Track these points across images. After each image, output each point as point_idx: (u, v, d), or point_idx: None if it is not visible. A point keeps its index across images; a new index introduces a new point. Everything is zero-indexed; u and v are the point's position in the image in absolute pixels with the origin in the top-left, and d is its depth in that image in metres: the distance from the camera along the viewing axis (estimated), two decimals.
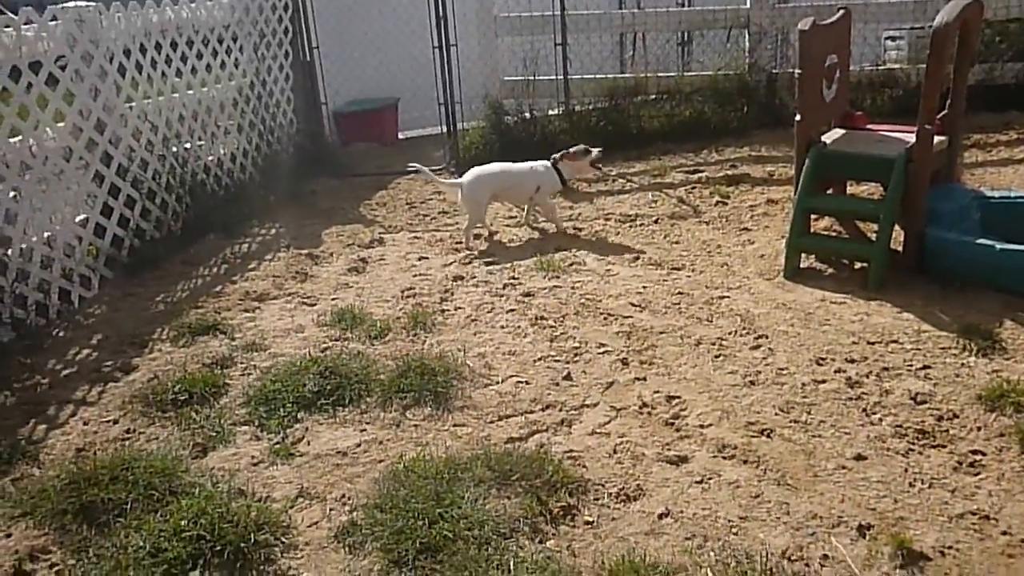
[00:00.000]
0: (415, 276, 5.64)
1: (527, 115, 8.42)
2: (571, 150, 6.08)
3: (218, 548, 3.08)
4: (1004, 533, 3.04)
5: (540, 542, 3.11)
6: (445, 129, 8.56)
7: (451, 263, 5.86)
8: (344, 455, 3.69)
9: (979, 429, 3.63)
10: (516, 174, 6.13)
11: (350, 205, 7.43)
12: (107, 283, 5.77)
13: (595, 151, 6.06)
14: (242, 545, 3.10)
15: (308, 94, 8.74)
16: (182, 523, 3.16)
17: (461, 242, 6.21)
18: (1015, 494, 3.24)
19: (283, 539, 3.19)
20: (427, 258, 6.00)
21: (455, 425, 3.88)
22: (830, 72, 5.47)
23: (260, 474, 3.59)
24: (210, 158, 7.16)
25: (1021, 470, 3.37)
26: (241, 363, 4.53)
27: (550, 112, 8.61)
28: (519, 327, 4.78)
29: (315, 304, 5.29)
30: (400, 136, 10.16)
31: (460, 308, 5.08)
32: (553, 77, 8.40)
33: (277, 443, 3.79)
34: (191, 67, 6.97)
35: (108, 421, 4.07)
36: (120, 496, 3.38)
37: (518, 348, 4.53)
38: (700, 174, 7.35)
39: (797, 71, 5.22)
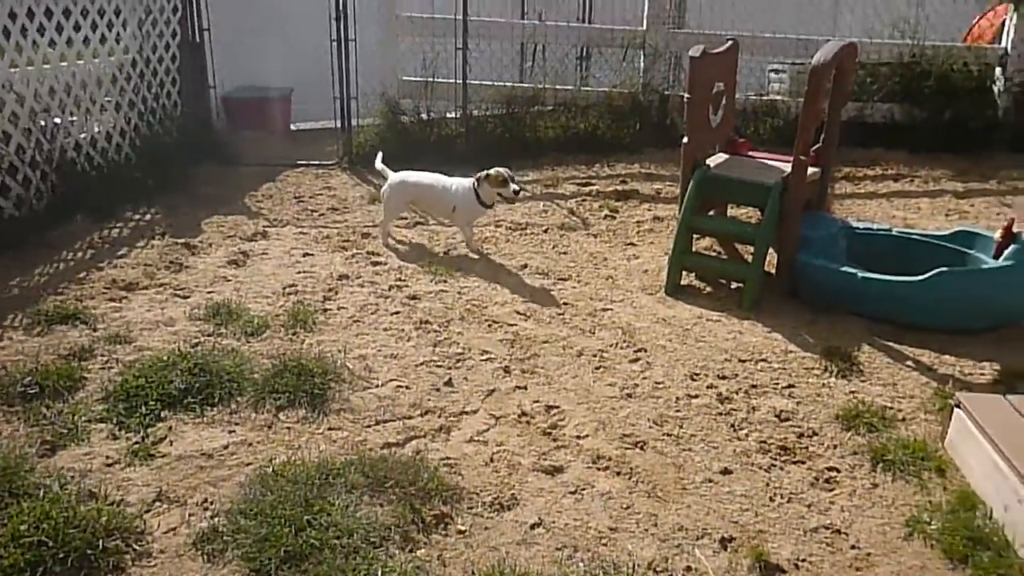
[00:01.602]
0: (298, 273, 5.48)
1: (424, 116, 8.35)
2: (491, 173, 5.63)
3: (61, 555, 2.88)
4: (853, 547, 3.21)
5: (411, 551, 3.06)
6: (339, 124, 8.37)
7: (337, 261, 5.73)
8: (209, 457, 3.53)
9: (835, 447, 3.83)
10: (435, 188, 5.88)
11: (234, 195, 7.16)
12: None
13: (514, 186, 5.63)
14: (89, 552, 2.91)
15: (196, 77, 8.37)
16: (21, 528, 2.93)
17: (349, 240, 6.09)
18: (865, 510, 3.42)
19: (136, 546, 3.02)
20: (312, 255, 5.84)
21: (330, 428, 3.78)
22: (717, 98, 5.67)
23: (115, 475, 3.39)
24: (83, 135, 6.74)
25: (871, 487, 3.57)
26: (102, 356, 4.27)
27: (448, 115, 8.56)
28: (403, 330, 4.71)
29: (188, 296, 5.06)
30: (292, 127, 9.88)
31: (343, 308, 4.97)
32: (452, 81, 8.36)
33: (136, 443, 3.59)
34: (66, 38, 6.55)
35: None
36: None
37: (400, 351, 4.47)
38: (591, 187, 7.47)
39: (686, 95, 5.40)
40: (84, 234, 6.02)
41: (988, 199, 7.60)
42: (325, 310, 4.92)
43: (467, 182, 5.75)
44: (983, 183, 8.05)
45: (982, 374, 4.49)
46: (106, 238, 6.01)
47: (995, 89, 9.16)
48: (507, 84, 8.79)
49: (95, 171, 6.84)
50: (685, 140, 5.43)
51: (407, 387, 4.13)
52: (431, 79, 8.37)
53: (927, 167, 8.45)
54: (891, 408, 4.13)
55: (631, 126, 8.65)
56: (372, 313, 4.91)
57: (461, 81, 8.26)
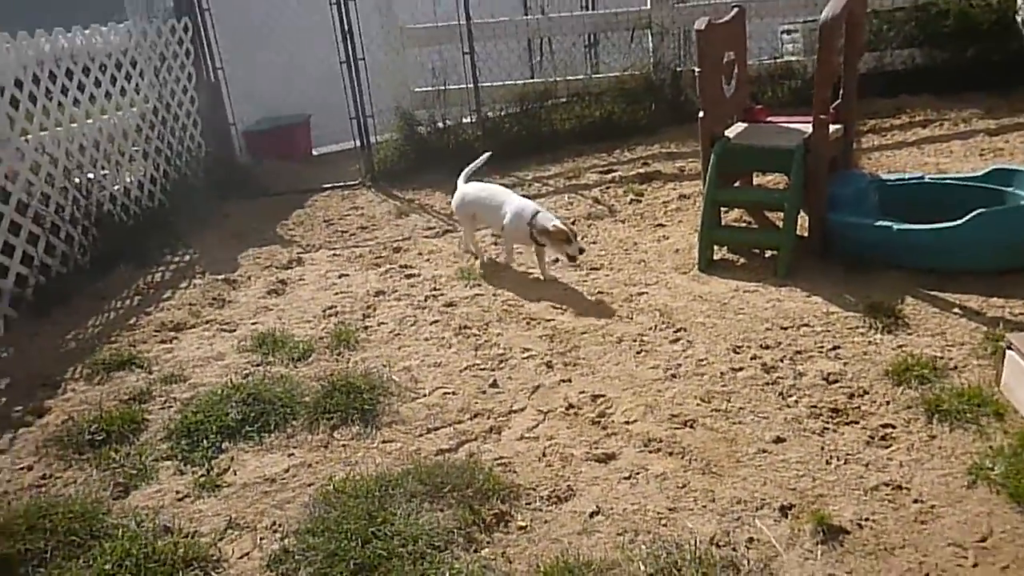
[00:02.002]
0: (336, 294, 5.59)
1: (440, 124, 8.43)
2: (552, 229, 5.16)
3: None
4: (916, 501, 3.19)
5: (475, 551, 3.12)
6: (359, 143, 8.49)
7: (372, 278, 5.82)
8: (272, 482, 3.64)
9: (888, 403, 3.80)
10: (490, 205, 5.70)
11: (266, 226, 7.31)
12: (13, 324, 5.54)
13: (580, 244, 5.25)
14: None
15: (215, 115, 8.56)
16: (106, 567, 3.08)
17: (381, 256, 6.19)
18: (924, 463, 3.40)
19: (214, 573, 3.13)
20: (347, 275, 5.95)
21: (384, 441, 3.86)
22: (728, 68, 5.64)
23: (186, 509, 3.51)
24: (116, 187, 6.95)
25: (929, 439, 3.54)
26: (160, 396, 4.41)
27: (463, 120, 8.63)
28: (443, 338, 4.78)
29: (234, 330, 5.19)
30: (315, 152, 10.04)
31: (383, 323, 5.06)
32: (463, 86, 8.43)
33: (202, 475, 3.71)
34: (89, 95, 6.75)
35: (22, 468, 3.91)
36: (39, 545, 3.26)
37: (443, 359, 4.54)
38: (613, 173, 7.48)
39: (697, 69, 5.38)
40: (129, 281, 6.21)
41: (1023, 133, 7.43)
42: (366, 327, 5.02)
43: (525, 206, 5.43)
44: (1016, 118, 7.87)
45: None
46: (150, 283, 6.19)
47: (1018, 19, 8.94)
48: (518, 82, 8.83)
49: (131, 219, 7.04)
50: (701, 114, 5.41)
51: (454, 393, 4.20)
52: (442, 87, 8.44)
53: (955, 109, 8.29)
54: (941, 358, 4.08)
55: (646, 107, 8.63)
56: (412, 325, 4.99)
57: (472, 85, 8.32)
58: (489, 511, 3.30)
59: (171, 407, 4.29)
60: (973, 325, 4.35)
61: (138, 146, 7.34)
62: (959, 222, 4.72)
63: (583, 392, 4.10)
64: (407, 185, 7.90)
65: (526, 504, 3.37)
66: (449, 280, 5.61)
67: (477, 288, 5.42)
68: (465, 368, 4.43)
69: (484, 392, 4.19)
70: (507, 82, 8.79)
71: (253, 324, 5.25)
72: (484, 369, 4.40)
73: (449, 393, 4.21)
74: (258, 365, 4.65)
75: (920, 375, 3.93)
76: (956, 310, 4.51)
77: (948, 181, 5.56)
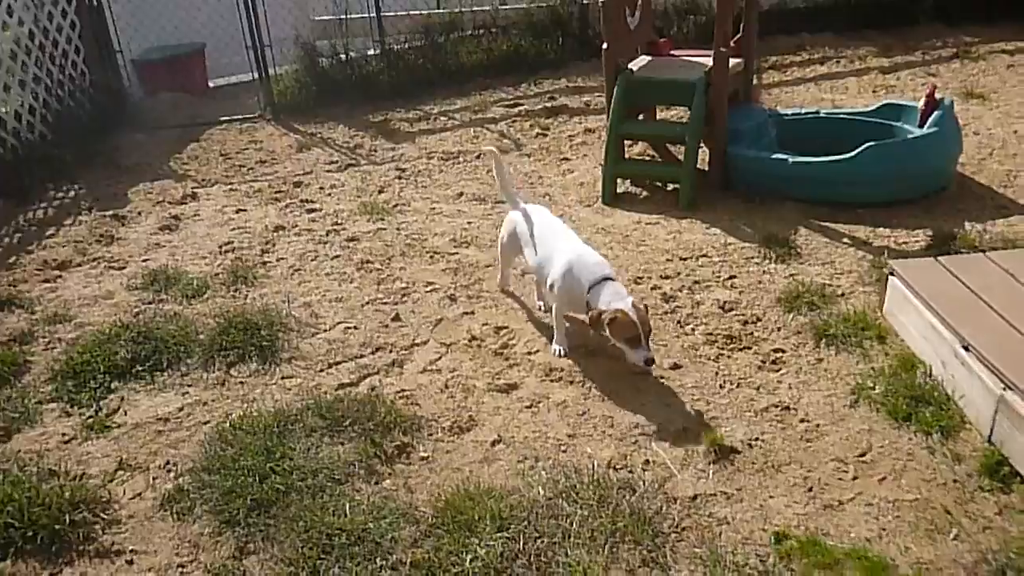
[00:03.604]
0: (233, 230, 5.39)
1: (342, 56, 8.13)
2: (618, 316, 3.43)
3: (30, 534, 2.89)
4: (802, 421, 3.34)
5: (376, 483, 3.12)
6: (257, 75, 8.12)
7: (271, 213, 5.63)
8: (166, 421, 3.53)
9: (779, 329, 3.94)
10: (537, 250, 3.95)
11: (158, 160, 6.95)
12: None
13: (645, 352, 3.47)
14: (57, 528, 2.92)
15: (99, 42, 8.02)
16: None
17: (281, 191, 5.99)
18: (811, 385, 3.55)
19: (104, 515, 3.03)
20: (245, 210, 5.74)
21: (284, 377, 3.78)
22: (632, 1, 5.60)
23: (73, 451, 3.37)
24: None
25: (816, 362, 3.69)
26: (43, 337, 4.19)
27: (368, 52, 8.35)
28: (345, 273, 4.69)
29: (124, 267, 4.96)
30: (211, 84, 9.56)
31: (283, 259, 4.92)
32: (366, 15, 8.13)
33: (90, 417, 3.57)
34: None
35: None
36: None
37: (345, 294, 4.46)
38: (520, 107, 7.40)
39: (600, 0, 5.32)
40: (8, 218, 5.83)
41: (914, 71, 7.69)
42: (264, 263, 4.87)
43: (583, 264, 3.70)
44: (908, 56, 8.12)
45: (916, 242, 4.62)
46: (31, 219, 5.83)
47: None
48: (423, 12, 8.58)
49: (9, 153, 6.58)
50: (605, 46, 5.37)
51: (355, 327, 4.13)
52: (343, 16, 8.12)
53: (852, 47, 8.48)
54: (830, 286, 4.24)
55: (554, 41, 8.52)
56: (312, 260, 4.87)
57: (375, 14, 8.04)
58: (391, 443, 3.30)
59: (55, 348, 4.09)
60: (860, 254, 4.52)
61: (13, 74, 6.82)
62: (850, 155, 4.87)
63: (486, 324, 4.10)
64: (308, 119, 7.62)
65: (428, 435, 3.37)
66: (351, 215, 5.48)
67: (380, 223, 5.31)
68: (367, 303, 4.36)
69: (386, 326, 4.14)
70: (411, 12, 8.53)
71: (144, 261, 5.02)
72: (386, 303, 4.34)
73: (351, 328, 4.14)
74: (150, 303, 4.46)
75: (810, 302, 4.07)
76: (846, 240, 4.68)
77: (842, 116, 5.71)
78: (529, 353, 3.86)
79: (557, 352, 3.83)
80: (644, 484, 3.04)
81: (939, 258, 3.90)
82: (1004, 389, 3.00)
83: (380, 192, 5.84)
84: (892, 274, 3.85)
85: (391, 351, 3.93)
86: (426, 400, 3.58)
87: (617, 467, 3.14)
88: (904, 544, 2.74)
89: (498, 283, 4.43)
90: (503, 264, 4.38)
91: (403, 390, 3.64)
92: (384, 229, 5.21)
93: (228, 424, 3.43)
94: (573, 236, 3.95)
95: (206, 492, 3.07)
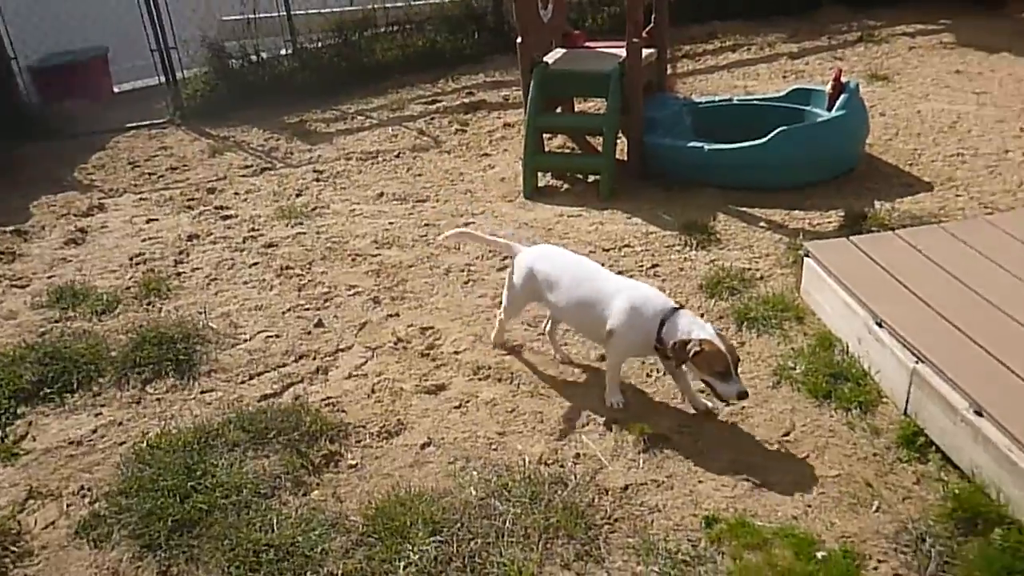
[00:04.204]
0: (144, 241, 5.19)
1: (253, 57, 7.92)
2: (705, 347, 3.02)
3: None
4: (728, 404, 3.37)
5: (304, 494, 3.04)
6: (164, 78, 7.85)
7: (184, 222, 5.44)
8: (78, 444, 3.37)
9: (703, 315, 3.96)
10: (580, 292, 3.41)
11: (61, 171, 6.64)
12: None
13: (737, 385, 3.06)
14: None
15: None
16: None
17: (194, 198, 5.79)
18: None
19: (14, 548, 2.88)
20: (157, 220, 5.53)
21: (203, 392, 3.66)
22: None
23: None
24: None
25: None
26: None
27: (280, 52, 8.16)
28: (264, 280, 4.57)
29: (27, 285, 4.72)
30: (116, 90, 9.19)
31: (198, 269, 4.76)
32: (276, 14, 7.94)
33: None
34: None
35: None
36: None
37: (265, 302, 4.34)
38: (438, 104, 7.34)
39: None
40: None
41: (821, 55, 7.91)
42: (179, 274, 4.70)
43: (645, 298, 3.27)
44: (815, 40, 8.34)
45: (829, 222, 4.74)
46: None
47: None
48: (335, 10, 8.42)
49: None
50: (519, 40, 5.36)
51: (277, 336, 4.03)
52: (252, 16, 7.91)
53: (762, 33, 8.67)
54: (750, 269, 4.32)
55: (470, 36, 8.48)
56: (229, 268, 4.73)
57: (285, 13, 7.86)
58: (318, 453, 3.22)
59: None
60: (777, 237, 4.62)
61: None
62: (762, 140, 4.97)
63: (411, 325, 4.04)
64: (221, 122, 7.40)
65: (356, 442, 3.30)
66: (269, 220, 5.34)
67: (299, 227, 5.19)
68: (288, 309, 4.25)
69: (309, 333, 4.04)
70: (323, 10, 8.36)
71: (49, 278, 4.79)
72: (308, 309, 4.25)
73: (272, 336, 4.03)
74: (56, 321, 4.26)
75: (731, 287, 4.14)
76: (763, 223, 4.78)
77: (754, 102, 5.82)
78: (456, 352, 3.82)
79: (614, 405, 3.37)
80: (576, 477, 3.03)
81: (851, 238, 4.01)
82: (916, 362, 3.09)
83: (298, 195, 5.71)
84: (807, 255, 3.94)
85: (315, 358, 3.84)
86: (353, 406, 3.51)
87: (548, 462, 3.13)
88: (829, 519, 2.80)
89: (494, 339, 3.83)
90: (509, 315, 3.75)
91: (329, 397, 3.56)
92: (303, 233, 5.09)
93: (145, 444, 3.29)
94: (611, 273, 3.52)
95: (124, 516, 2.94)
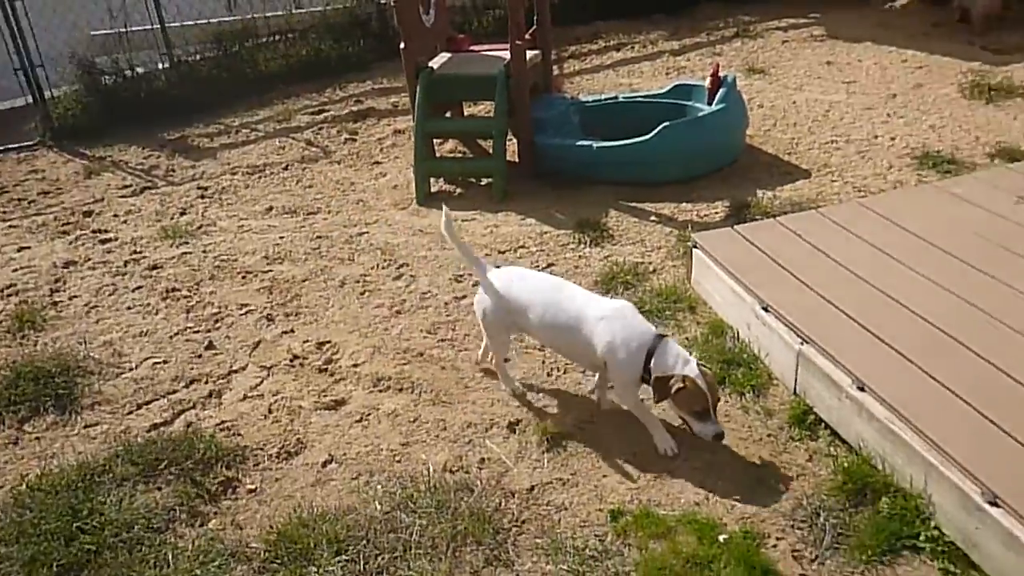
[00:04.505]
0: (15, 271, 4.88)
1: (128, 73, 7.58)
2: (687, 384, 2.90)
3: None
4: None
5: (201, 525, 2.92)
6: (31, 98, 7.42)
7: (59, 248, 5.16)
8: None
9: None
10: (560, 317, 3.22)
11: None
12: None
13: (714, 425, 2.97)
14: None
15: None
16: None
17: (69, 223, 5.49)
18: None
19: None
20: (29, 247, 5.22)
21: (87, 426, 3.48)
22: None
23: None
24: None
25: None
26: None
27: (159, 67, 7.83)
28: (149, 304, 4.37)
29: None
30: None
31: (76, 297, 4.51)
32: (149, 27, 7.62)
33: None
34: None
35: None
36: None
37: (150, 327, 4.15)
38: (326, 113, 7.19)
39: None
40: None
41: (701, 51, 8.14)
42: (55, 303, 4.45)
43: (630, 318, 3.11)
44: (695, 37, 8.58)
45: (716, 213, 4.88)
46: None
47: None
48: (212, 21, 8.15)
49: None
50: (402, 45, 5.30)
51: (165, 361, 3.86)
52: (124, 29, 7.57)
53: (644, 32, 8.86)
54: (642, 263, 4.40)
55: (355, 43, 8.35)
56: (111, 295, 4.51)
57: (159, 25, 7.55)
58: (214, 480, 3.10)
59: None
60: (667, 230, 4.72)
61: None
62: (647, 136, 5.07)
63: (307, 341, 3.95)
64: (96, 142, 7.03)
65: (254, 465, 3.20)
66: (152, 241, 5.12)
67: (184, 247, 4.99)
68: (176, 333, 4.08)
69: (200, 356, 3.89)
70: (199, 21, 8.08)
71: None
72: (198, 332, 4.09)
73: (160, 363, 3.86)
74: None
75: (625, 281, 4.20)
76: (653, 217, 4.88)
77: (638, 99, 5.94)
78: (355, 365, 3.75)
79: (668, 452, 3.11)
80: (481, 483, 3.02)
81: (735, 227, 4.13)
82: (802, 343, 3.21)
83: (182, 214, 5.49)
84: (695, 247, 4.04)
85: (207, 382, 3.70)
86: (249, 428, 3.39)
87: (453, 469, 3.11)
88: (730, 502, 2.87)
89: (504, 385, 3.51)
90: (501, 351, 3.47)
91: (223, 421, 3.44)
92: (189, 253, 4.90)
93: (24, 486, 3.10)
94: (585, 291, 3.31)
95: (4, 566, 2.75)
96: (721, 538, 2.70)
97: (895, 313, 3.30)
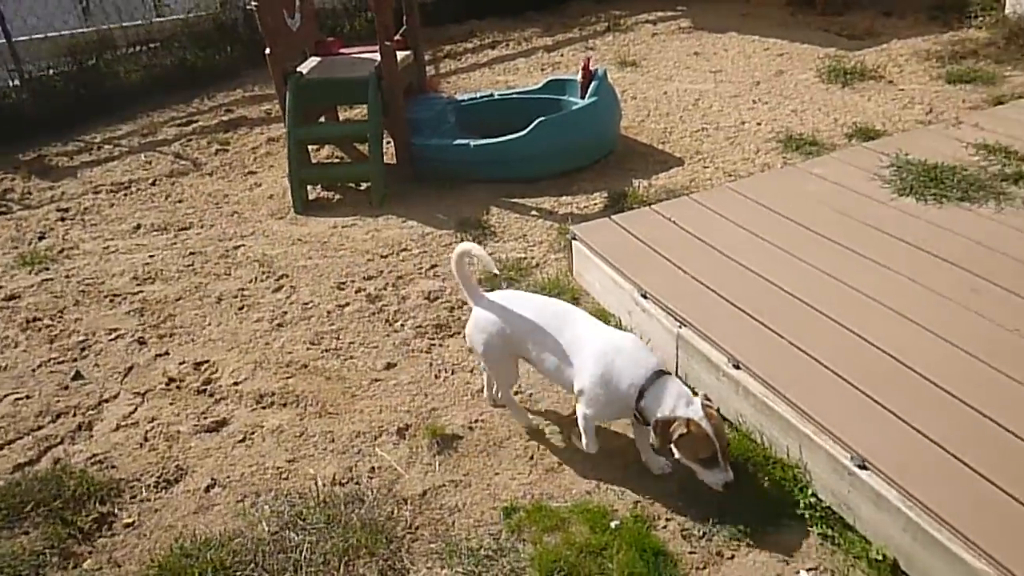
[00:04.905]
0: None
1: None
2: (691, 429, 2.62)
3: None
4: (517, 392, 3.42)
5: (74, 567, 2.76)
6: None
7: None
8: None
9: None
10: (553, 343, 2.97)
11: None
12: None
13: (724, 473, 2.66)
14: None
15: None
16: None
17: None
18: None
19: None
20: None
21: None
22: (290, 1, 5.42)
23: None
24: None
25: None
26: None
27: (9, 84, 7.34)
28: (7, 337, 4.09)
29: None
30: None
31: None
32: None
33: None
34: None
35: None
36: None
37: (10, 361, 3.88)
38: (194, 124, 6.90)
39: (253, 3, 5.09)
40: None
41: (574, 46, 8.25)
42: None
43: (628, 349, 2.86)
44: (568, 33, 8.70)
45: (595, 204, 4.95)
46: None
47: None
48: (64, 33, 7.71)
49: None
50: (267, 50, 5.15)
51: (28, 397, 3.62)
52: None
53: (518, 29, 8.92)
54: (525, 258, 4.42)
55: (222, 50, 8.07)
56: None
57: (5, 40, 7.09)
58: (87, 517, 2.93)
59: None
60: (548, 224, 4.76)
61: None
62: (523, 133, 5.10)
63: (184, 362, 3.78)
64: None
65: (131, 498, 3.04)
66: (8, 269, 4.78)
67: (44, 273, 4.69)
68: (39, 365, 3.83)
69: (66, 388, 3.67)
70: (51, 34, 7.63)
71: None
72: (63, 362, 3.85)
73: (22, 398, 3.62)
74: None
75: (509, 278, 4.21)
76: (534, 212, 4.91)
77: (514, 96, 5.97)
78: (236, 384, 3.61)
79: (587, 448, 2.97)
80: (372, 492, 2.97)
81: (612, 217, 4.20)
82: (680, 327, 3.29)
83: (41, 238, 5.15)
84: (575, 238, 4.08)
85: (75, 414, 3.49)
86: (124, 459, 3.22)
87: (343, 482, 3.04)
88: (620, 489, 2.91)
89: (517, 420, 3.26)
90: (501, 376, 3.19)
91: (95, 455, 3.25)
92: (51, 279, 4.60)
93: None
94: (589, 317, 3.05)
95: None
96: (613, 524, 2.74)
97: (766, 291, 3.42)
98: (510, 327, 3.03)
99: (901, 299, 3.27)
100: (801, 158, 5.20)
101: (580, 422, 2.95)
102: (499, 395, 3.31)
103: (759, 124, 5.93)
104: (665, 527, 2.75)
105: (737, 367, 3.01)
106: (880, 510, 2.47)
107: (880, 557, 2.48)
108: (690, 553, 2.65)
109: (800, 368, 2.96)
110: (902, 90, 6.37)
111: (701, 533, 2.71)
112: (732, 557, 2.63)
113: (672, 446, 2.68)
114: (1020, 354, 2.93)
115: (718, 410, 2.75)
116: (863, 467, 2.52)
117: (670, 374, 2.79)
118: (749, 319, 3.25)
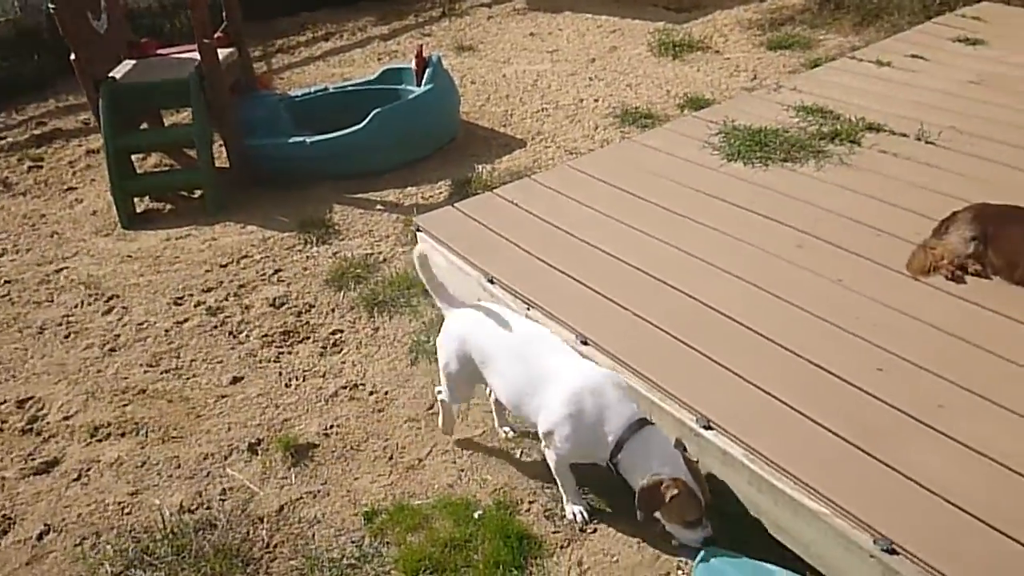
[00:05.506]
0: None
1: None
2: (679, 492, 2.38)
3: None
4: (371, 393, 3.36)
5: None
6: None
7: None
8: None
9: (333, 311, 3.91)
10: (525, 373, 2.69)
11: None
12: None
13: (703, 529, 2.49)
14: None
15: None
16: None
17: None
18: (373, 356, 3.58)
19: None
20: None
21: None
22: (94, 3, 5.04)
23: None
24: None
25: (374, 333, 3.73)
26: None
27: None
28: None
29: None
30: None
31: None
32: None
33: None
34: None
35: None
36: None
37: None
38: (2, 141, 6.35)
39: (51, 6, 4.70)
40: None
41: (411, 34, 8.15)
42: None
43: (605, 390, 2.56)
44: (403, 20, 8.57)
45: (439, 193, 4.90)
46: None
47: None
48: None
49: None
50: (73, 56, 4.78)
51: None
52: None
53: (352, 19, 8.72)
54: (372, 254, 4.32)
55: (27, 58, 7.44)
56: None
57: None
58: None
59: None
60: (394, 217, 4.68)
61: None
62: (360, 125, 4.97)
63: (5, 401, 3.48)
64: None
65: None
66: None
67: None
68: None
69: None
70: None
71: None
72: None
73: None
74: None
75: (356, 275, 4.11)
76: (378, 207, 4.80)
77: (349, 88, 5.81)
78: (66, 418, 3.35)
79: (576, 516, 2.69)
80: (225, 516, 2.82)
81: (455, 205, 4.15)
82: (528, 308, 3.29)
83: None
84: (419, 230, 4.01)
85: None
86: None
87: (192, 508, 2.87)
88: (482, 477, 2.90)
89: (443, 428, 3.08)
90: (453, 399, 2.97)
91: None
92: None
93: None
94: (563, 346, 2.77)
95: None
96: (476, 515, 2.72)
97: (609, 266, 3.47)
98: (474, 349, 2.80)
99: (734, 260, 3.40)
100: (638, 131, 5.33)
101: (552, 467, 2.68)
102: (445, 398, 2.99)
103: (596, 101, 6.04)
104: (528, 510, 2.75)
105: (585, 343, 3.04)
106: (727, 466, 2.55)
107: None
108: (554, 533, 2.66)
109: (646, 338, 3.01)
110: (728, 59, 6.65)
111: (563, 512, 2.72)
112: (595, 531, 2.66)
113: (667, 508, 2.42)
114: (843, 302, 3.10)
115: (696, 461, 2.55)
116: (708, 427, 2.59)
117: (653, 424, 2.55)
118: (595, 295, 3.29)
